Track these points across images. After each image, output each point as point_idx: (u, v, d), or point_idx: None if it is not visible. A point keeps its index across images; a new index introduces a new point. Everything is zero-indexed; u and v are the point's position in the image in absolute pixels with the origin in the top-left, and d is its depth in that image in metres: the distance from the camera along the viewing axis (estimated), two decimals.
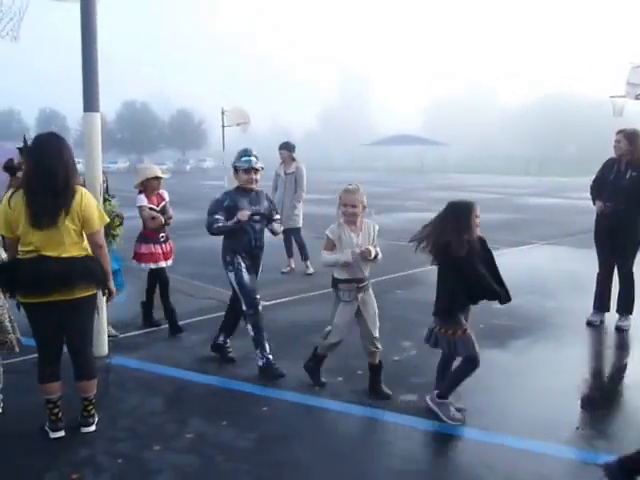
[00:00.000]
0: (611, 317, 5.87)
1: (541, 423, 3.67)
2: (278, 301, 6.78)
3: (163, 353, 5.10)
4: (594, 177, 5.98)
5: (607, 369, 5.07)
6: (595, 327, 5.81)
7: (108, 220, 3.76)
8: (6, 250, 3.68)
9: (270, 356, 4.61)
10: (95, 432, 3.65)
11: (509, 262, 9.32)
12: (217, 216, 4.59)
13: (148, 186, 5.62)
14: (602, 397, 4.39)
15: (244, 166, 4.63)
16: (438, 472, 3.30)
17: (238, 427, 3.73)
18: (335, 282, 4.14)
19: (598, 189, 5.85)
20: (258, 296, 4.68)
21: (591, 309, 5.94)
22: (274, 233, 4.97)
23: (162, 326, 5.78)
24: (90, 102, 4.79)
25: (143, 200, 5.56)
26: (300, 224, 8.47)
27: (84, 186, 3.90)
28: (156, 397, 4.20)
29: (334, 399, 4.13)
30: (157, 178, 5.63)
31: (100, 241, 3.59)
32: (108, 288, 3.63)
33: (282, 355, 4.92)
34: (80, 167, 4.88)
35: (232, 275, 4.63)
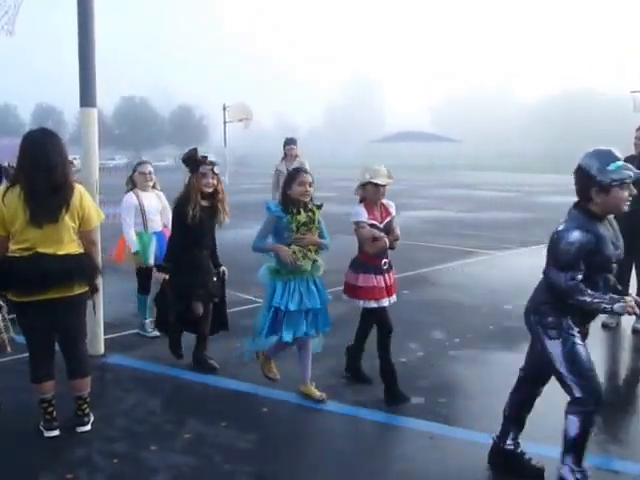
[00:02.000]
0: (627, 319, 5.86)
1: (555, 427, 3.67)
2: None
3: (161, 352, 5.12)
4: None
5: (623, 372, 5.07)
6: (611, 329, 5.80)
7: (104, 217, 3.80)
8: None
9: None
10: (91, 431, 3.69)
11: (520, 262, 9.33)
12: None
13: (369, 193, 4.22)
14: (617, 401, 4.39)
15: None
16: (442, 476, 3.31)
17: (237, 428, 3.76)
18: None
19: None
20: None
21: None
22: None
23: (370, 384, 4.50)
24: (87, 97, 4.83)
25: (362, 214, 4.19)
26: None
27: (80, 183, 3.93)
28: (153, 396, 4.23)
29: (336, 400, 4.15)
30: (376, 185, 4.21)
31: (95, 238, 3.70)
32: (94, 285, 3.67)
33: (284, 356, 4.93)
34: (77, 163, 4.95)
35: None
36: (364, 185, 4.22)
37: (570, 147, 67.05)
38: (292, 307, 3.97)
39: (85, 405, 3.70)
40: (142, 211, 5.43)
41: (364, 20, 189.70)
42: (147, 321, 5.60)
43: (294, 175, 4.12)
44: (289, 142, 8.51)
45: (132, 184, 5.53)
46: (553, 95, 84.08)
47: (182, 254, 4.52)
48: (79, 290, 3.54)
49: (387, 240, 4.17)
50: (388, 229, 4.26)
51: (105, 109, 67.91)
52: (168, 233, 5.10)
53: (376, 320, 4.33)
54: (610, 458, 3.45)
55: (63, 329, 3.62)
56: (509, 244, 10.70)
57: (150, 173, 5.58)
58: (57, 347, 3.69)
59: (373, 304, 4.21)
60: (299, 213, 4.01)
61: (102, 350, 5.03)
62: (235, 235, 11.35)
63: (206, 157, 4.62)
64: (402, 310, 6.59)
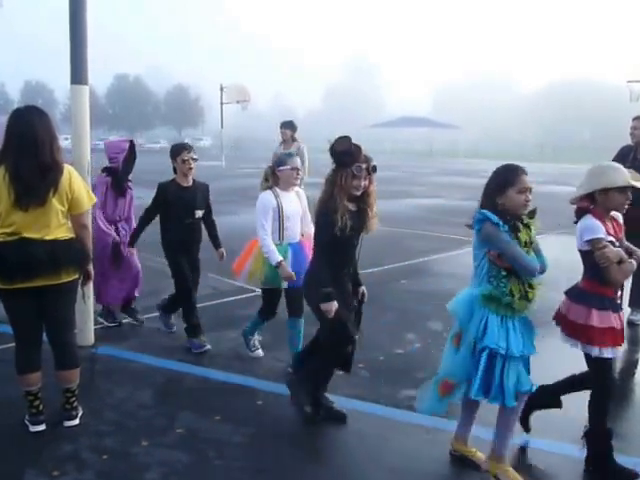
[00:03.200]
0: (623, 311, 5.83)
1: (550, 421, 3.64)
2: None
3: (153, 343, 5.06)
4: None
5: (618, 365, 5.01)
6: None
7: (95, 200, 3.67)
8: None
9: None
10: (79, 426, 3.60)
11: None
12: None
13: (609, 201, 3.22)
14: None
15: None
16: (439, 469, 3.27)
17: (231, 422, 3.70)
18: None
19: None
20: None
21: None
22: None
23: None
24: (78, 74, 4.70)
25: (599, 228, 3.16)
26: None
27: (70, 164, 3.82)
28: (145, 389, 4.16)
29: (332, 393, 4.09)
30: (623, 191, 3.23)
31: (86, 221, 3.54)
32: (86, 272, 3.56)
33: (278, 347, 4.89)
34: (67, 144, 4.83)
35: None
36: (606, 191, 3.17)
37: (568, 136, 67.24)
38: (516, 351, 3.01)
39: (73, 398, 3.62)
40: (280, 216, 4.36)
41: (365, 3, 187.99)
42: (255, 338, 4.83)
43: (511, 178, 3.08)
44: (281, 126, 8.50)
45: (272, 180, 4.44)
46: (552, 84, 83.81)
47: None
48: (68, 277, 3.41)
49: (635, 264, 3.17)
50: (622, 246, 3.26)
51: (98, 88, 67.28)
52: (308, 245, 4.35)
53: (603, 374, 3.28)
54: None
55: (51, 318, 3.51)
56: None
57: (299, 168, 4.52)
58: (45, 337, 3.60)
59: (609, 353, 3.20)
60: (519, 230, 3.07)
61: (92, 340, 4.94)
62: (232, 220, 11.27)
63: (360, 149, 3.61)
64: (399, 300, 6.56)
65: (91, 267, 3.63)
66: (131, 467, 3.21)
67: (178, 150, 4.88)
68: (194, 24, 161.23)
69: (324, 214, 3.51)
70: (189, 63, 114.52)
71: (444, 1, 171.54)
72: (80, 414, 3.65)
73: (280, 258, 4.24)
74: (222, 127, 34.82)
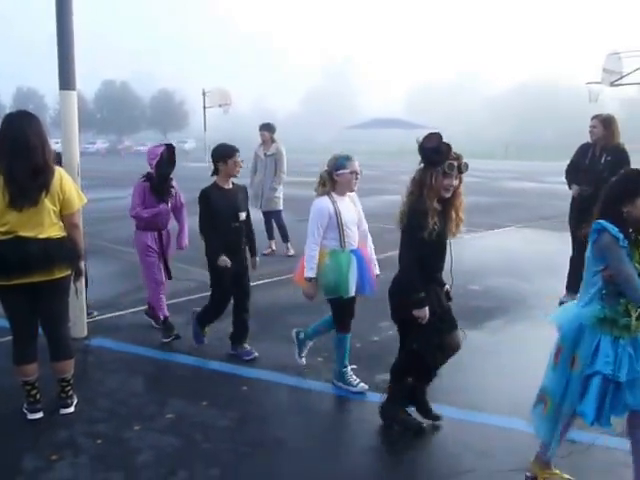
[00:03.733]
0: None
1: (515, 400, 3.73)
2: (259, 282, 6.76)
3: (143, 334, 5.07)
4: (569, 161, 6.05)
5: None
6: None
7: (86, 200, 3.68)
8: None
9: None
10: (74, 413, 3.62)
11: (486, 244, 9.42)
12: None
13: None
14: None
15: None
16: (416, 450, 3.34)
17: (218, 407, 3.74)
18: None
19: (573, 173, 5.92)
20: None
21: (564, 290, 6.03)
22: None
23: None
24: (66, 80, 4.68)
25: None
26: (281, 206, 8.43)
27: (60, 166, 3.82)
28: (136, 378, 4.18)
29: (314, 379, 4.15)
30: None
31: (77, 221, 3.56)
32: (78, 269, 3.56)
33: (263, 336, 4.93)
34: (58, 147, 4.80)
35: None
36: None
37: (530, 135, 67.98)
38: (622, 377, 2.62)
39: (69, 387, 3.63)
40: (339, 223, 3.91)
41: (341, 7, 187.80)
42: (349, 369, 4.11)
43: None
44: (260, 128, 8.52)
45: (330, 185, 3.95)
46: (518, 85, 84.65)
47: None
48: (61, 274, 3.43)
49: None
50: None
51: (86, 93, 66.38)
52: (365, 251, 4.10)
53: None
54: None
55: (46, 312, 3.52)
56: (476, 227, 10.79)
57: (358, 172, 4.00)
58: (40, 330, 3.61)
59: None
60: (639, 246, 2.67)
61: (85, 333, 4.94)
62: None
63: (449, 146, 3.24)
64: (376, 291, 6.62)
65: (82, 264, 3.63)
66: (124, 451, 3.23)
67: (228, 152, 4.50)
68: (179, 28, 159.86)
69: (413, 216, 3.18)
70: (174, 67, 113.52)
71: (417, 4, 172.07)
72: (75, 402, 3.67)
73: (313, 275, 3.85)
74: (205, 130, 34.63)
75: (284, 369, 4.33)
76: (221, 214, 4.44)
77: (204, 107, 34.59)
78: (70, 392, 3.65)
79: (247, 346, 4.59)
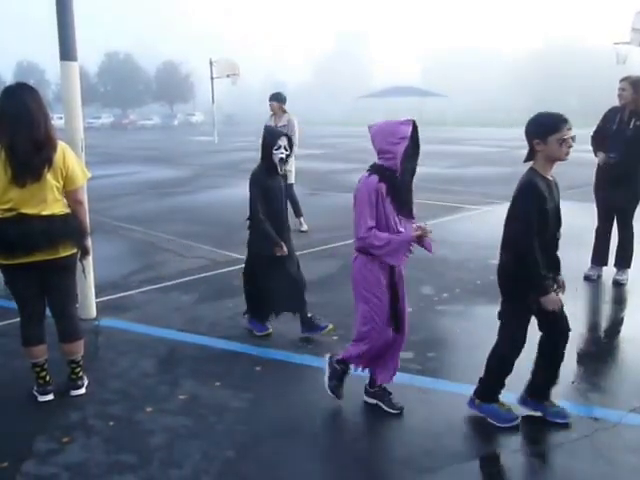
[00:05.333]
0: (609, 271, 5.90)
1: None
2: None
3: (154, 314, 5.11)
4: (595, 128, 5.89)
5: (603, 323, 5.12)
6: (592, 281, 5.84)
7: (90, 176, 3.65)
8: None
9: None
10: (86, 395, 3.67)
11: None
12: None
13: None
14: (598, 351, 4.45)
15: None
16: (433, 429, 3.34)
17: (231, 387, 3.77)
18: None
19: (600, 140, 5.75)
20: None
21: (589, 263, 5.96)
22: None
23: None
24: (66, 50, 4.62)
25: None
26: (293, 180, 8.37)
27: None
28: (147, 359, 4.22)
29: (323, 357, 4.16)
30: None
31: (82, 197, 3.55)
32: (84, 247, 3.56)
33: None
34: (61, 123, 4.79)
35: None
36: None
37: (552, 102, 66.81)
38: None
39: (79, 369, 3.67)
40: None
41: None
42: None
43: None
44: (270, 98, 8.40)
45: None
46: (538, 50, 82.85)
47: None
48: (66, 252, 3.43)
49: None
50: None
51: (89, 67, 66.29)
52: None
53: None
54: (591, 406, 3.50)
55: (52, 292, 3.54)
56: (495, 199, 10.66)
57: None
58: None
59: None
60: None
61: (94, 313, 4.98)
62: (226, 193, 11.23)
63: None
64: None
65: (89, 242, 3.63)
66: (137, 433, 3.28)
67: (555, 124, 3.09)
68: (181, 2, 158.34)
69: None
70: (178, 39, 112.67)
71: None
72: (86, 384, 3.72)
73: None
74: (213, 102, 34.41)
75: (298, 348, 4.35)
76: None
77: (211, 77, 34.28)
78: (80, 373, 3.69)
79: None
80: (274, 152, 4.35)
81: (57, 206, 3.40)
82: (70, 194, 3.46)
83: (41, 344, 3.56)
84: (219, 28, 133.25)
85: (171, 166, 17.20)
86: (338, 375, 3.52)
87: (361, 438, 3.27)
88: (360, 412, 3.50)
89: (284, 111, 8.26)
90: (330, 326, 4.57)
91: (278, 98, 8.33)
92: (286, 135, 4.47)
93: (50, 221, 3.35)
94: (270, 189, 4.40)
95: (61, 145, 3.43)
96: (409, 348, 4.26)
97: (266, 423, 3.37)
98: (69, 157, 3.43)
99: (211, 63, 34.18)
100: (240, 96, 77.42)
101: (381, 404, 3.51)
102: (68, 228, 3.42)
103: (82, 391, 3.67)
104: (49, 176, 3.32)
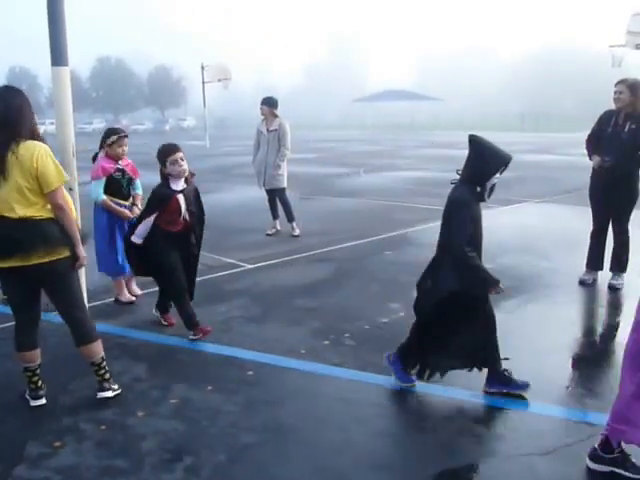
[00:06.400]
0: (604, 275, 5.96)
1: (532, 382, 3.76)
2: (263, 264, 6.81)
3: (145, 319, 5.13)
4: (590, 131, 5.94)
5: (599, 328, 5.17)
6: (588, 286, 5.89)
7: (67, 178, 3.53)
8: None
9: None
10: (77, 399, 3.69)
11: (501, 221, 9.39)
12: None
13: None
14: (593, 356, 4.49)
15: None
16: (424, 434, 3.38)
17: (223, 392, 3.79)
18: None
19: (594, 143, 5.80)
20: None
21: (584, 268, 6.01)
22: None
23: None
24: (58, 56, 4.68)
25: None
26: (285, 184, 8.42)
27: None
28: (138, 363, 4.24)
29: (320, 362, 4.19)
30: None
31: (59, 201, 3.35)
32: (74, 253, 3.45)
33: (268, 320, 4.98)
34: (52, 128, 4.81)
35: None
36: None
37: (548, 106, 67.18)
38: None
39: (102, 371, 3.65)
40: None
41: None
42: None
43: None
44: (261, 102, 8.45)
45: None
46: (533, 52, 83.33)
47: None
48: (42, 259, 3.30)
49: None
50: None
51: (81, 72, 66.36)
52: None
53: None
54: (586, 411, 3.54)
55: (52, 298, 3.55)
56: (490, 203, 10.72)
57: None
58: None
59: None
60: None
61: None
62: (216, 198, 11.25)
63: None
64: (384, 271, 6.65)
65: (80, 249, 3.48)
66: (128, 437, 3.30)
67: None
68: (173, 5, 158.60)
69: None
70: (170, 43, 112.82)
71: None
72: (115, 387, 3.71)
73: None
74: (205, 106, 34.48)
75: (290, 353, 4.38)
76: None
77: (203, 82, 34.38)
78: (106, 375, 3.66)
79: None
80: (493, 177, 3.65)
81: (31, 210, 3.30)
82: (48, 197, 3.34)
83: (33, 349, 3.57)
84: (211, 32, 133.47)
85: None
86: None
87: (353, 444, 3.29)
88: (352, 418, 3.53)
89: (275, 115, 8.30)
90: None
91: (269, 102, 8.36)
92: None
93: (15, 226, 3.25)
94: (478, 218, 3.73)
95: (35, 144, 3.32)
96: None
97: (258, 427, 3.40)
98: (42, 157, 3.29)
99: (203, 68, 34.29)
100: (232, 100, 77.53)
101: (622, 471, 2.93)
102: (41, 233, 3.31)
103: (108, 394, 3.64)
104: (17, 176, 3.23)
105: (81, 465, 3.04)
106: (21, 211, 3.28)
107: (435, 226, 8.71)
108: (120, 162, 5.32)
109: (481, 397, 3.69)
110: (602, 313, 5.39)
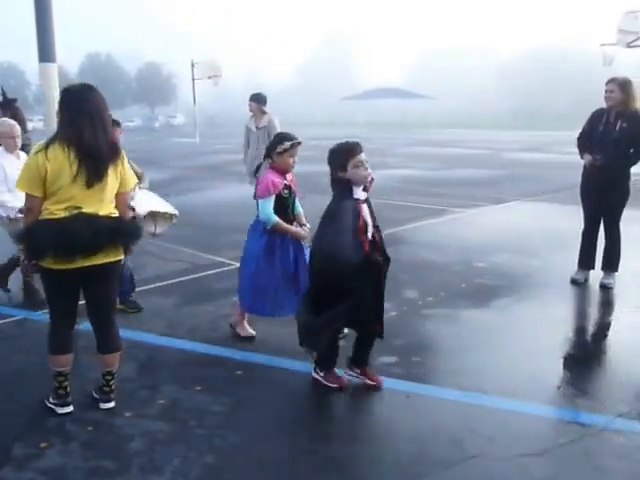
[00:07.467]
0: (596, 275, 5.98)
1: (523, 383, 3.77)
2: None
3: (134, 318, 5.09)
4: (581, 129, 5.96)
5: (590, 327, 5.18)
6: (579, 285, 5.91)
7: (136, 181, 3.65)
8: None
9: None
10: None
11: (492, 219, 9.42)
12: None
13: None
14: (585, 356, 4.50)
15: None
16: (419, 435, 3.37)
17: (212, 392, 3.77)
18: None
19: (585, 141, 5.82)
20: None
21: (575, 267, 6.04)
22: None
23: None
24: (45, 52, 4.66)
25: None
26: None
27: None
28: (127, 363, 4.17)
29: (310, 362, 4.18)
30: None
31: (130, 201, 3.60)
32: (130, 249, 3.50)
33: (258, 319, 4.94)
34: (41, 124, 4.78)
35: None
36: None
37: (540, 104, 67.52)
38: None
39: (113, 381, 3.59)
40: None
41: None
42: None
43: None
44: (249, 99, 8.38)
45: None
46: (526, 51, 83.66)
47: None
48: (117, 257, 3.36)
49: None
50: None
51: (70, 69, 65.92)
52: None
53: None
54: (578, 411, 3.55)
55: (95, 300, 3.45)
56: (481, 202, 10.78)
57: None
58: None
59: None
60: None
61: None
62: (208, 196, 11.21)
63: None
64: None
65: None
66: (116, 438, 3.27)
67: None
68: (163, 2, 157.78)
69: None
70: (160, 40, 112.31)
71: None
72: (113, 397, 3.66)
73: None
74: (195, 103, 34.36)
75: (279, 352, 4.36)
76: None
77: (193, 79, 34.24)
78: (113, 386, 3.60)
79: None
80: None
81: (110, 207, 3.36)
82: (122, 197, 3.43)
83: (69, 352, 3.48)
84: (202, 29, 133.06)
85: (153, 168, 17.02)
86: None
87: (345, 444, 3.28)
88: (344, 418, 3.52)
89: (264, 112, 8.23)
90: None
91: (257, 99, 8.30)
92: None
93: (110, 221, 3.30)
94: None
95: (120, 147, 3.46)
96: (394, 353, 4.30)
97: (247, 428, 3.38)
98: (124, 158, 3.43)
99: (193, 65, 34.15)
100: (222, 97, 77.31)
101: None
102: (123, 229, 3.38)
103: (111, 405, 3.58)
104: (111, 176, 3.29)
105: (68, 466, 3.01)
106: (107, 208, 3.33)
107: (424, 224, 8.76)
108: (287, 176, 4.42)
109: (473, 397, 3.69)
110: (594, 312, 5.41)
